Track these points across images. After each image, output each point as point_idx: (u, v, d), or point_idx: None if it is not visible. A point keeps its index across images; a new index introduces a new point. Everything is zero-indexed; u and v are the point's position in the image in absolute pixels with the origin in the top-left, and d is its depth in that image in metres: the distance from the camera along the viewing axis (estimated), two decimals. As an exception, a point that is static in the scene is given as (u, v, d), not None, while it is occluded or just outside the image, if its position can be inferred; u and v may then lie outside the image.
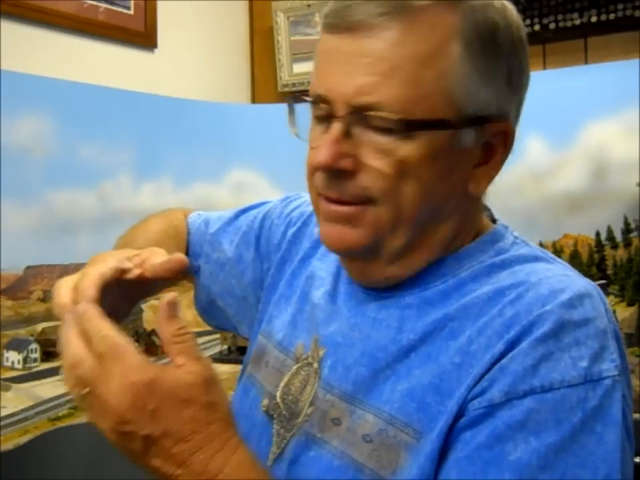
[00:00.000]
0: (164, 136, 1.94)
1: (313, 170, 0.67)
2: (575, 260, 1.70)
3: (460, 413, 0.60)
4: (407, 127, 0.61)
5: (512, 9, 0.67)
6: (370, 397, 0.65)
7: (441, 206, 0.66)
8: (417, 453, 0.60)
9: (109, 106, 1.79)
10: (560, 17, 1.76)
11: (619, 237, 1.66)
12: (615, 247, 1.67)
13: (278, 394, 0.73)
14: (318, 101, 0.65)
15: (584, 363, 0.58)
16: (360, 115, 0.62)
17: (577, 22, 1.74)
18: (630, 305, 1.65)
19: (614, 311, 1.63)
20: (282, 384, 0.73)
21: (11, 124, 1.58)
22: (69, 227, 1.73)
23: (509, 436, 0.57)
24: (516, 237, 0.72)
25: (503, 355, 0.60)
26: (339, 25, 0.63)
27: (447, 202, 0.66)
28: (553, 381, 0.58)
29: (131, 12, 1.92)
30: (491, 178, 0.68)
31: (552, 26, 1.77)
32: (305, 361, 0.73)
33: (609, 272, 1.69)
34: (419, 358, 0.65)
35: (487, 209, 0.75)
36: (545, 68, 1.82)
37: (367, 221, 0.65)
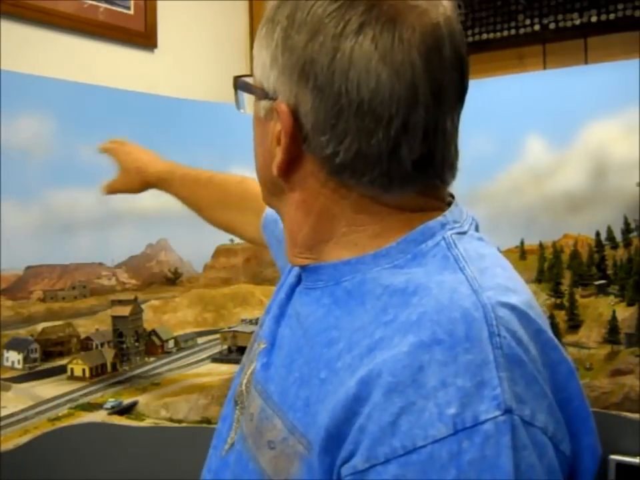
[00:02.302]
0: (164, 136, 1.94)
1: None
2: (575, 260, 1.70)
3: (327, 462, 0.55)
4: (234, 84, 0.74)
5: None
6: (281, 398, 0.64)
7: (270, 177, 0.68)
8: (306, 464, 0.58)
9: (109, 106, 1.79)
10: (560, 16, 1.76)
11: (619, 237, 1.66)
12: (615, 247, 1.67)
13: (244, 382, 0.74)
14: None
15: (452, 410, 0.50)
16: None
17: (577, 22, 1.74)
18: (630, 305, 1.65)
19: (613, 311, 1.64)
20: (248, 371, 0.74)
21: (10, 124, 1.58)
22: (69, 227, 1.72)
23: None
24: (444, 238, 0.63)
25: (356, 400, 0.53)
26: None
27: (271, 175, 0.67)
28: (416, 437, 0.50)
29: (131, 12, 1.92)
30: (281, 159, 0.65)
31: (552, 26, 1.76)
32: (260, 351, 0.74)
33: (609, 272, 1.69)
34: (304, 360, 0.63)
35: (451, 195, 0.70)
36: (544, 68, 1.82)
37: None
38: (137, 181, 1.42)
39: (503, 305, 0.56)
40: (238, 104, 0.76)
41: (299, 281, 0.74)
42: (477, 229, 0.69)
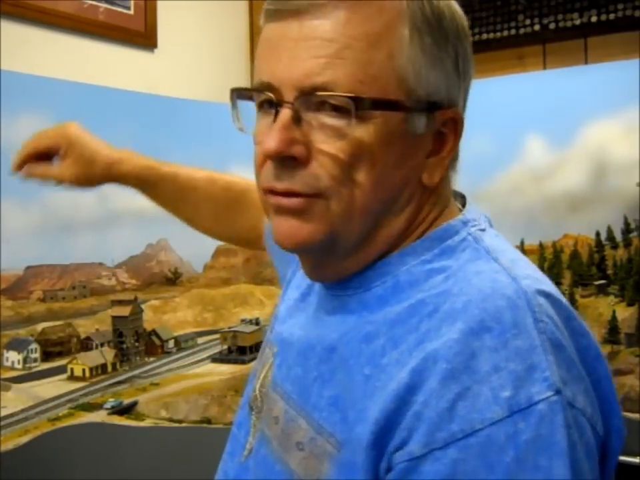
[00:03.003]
0: (164, 136, 1.94)
1: (261, 162, 0.64)
2: (574, 260, 1.70)
3: (376, 453, 0.55)
4: (360, 106, 0.58)
5: (455, 3, 0.66)
6: (302, 398, 0.64)
7: (394, 196, 0.63)
8: (337, 463, 0.58)
9: (109, 106, 1.79)
10: (560, 16, 1.76)
11: (619, 237, 1.66)
12: (615, 247, 1.67)
13: (257, 386, 0.74)
14: (263, 88, 0.62)
15: (506, 393, 0.52)
16: (310, 97, 0.59)
17: (577, 22, 1.74)
18: (630, 305, 1.65)
19: (613, 311, 1.64)
20: (261, 375, 0.74)
21: (10, 124, 1.58)
22: (69, 227, 1.73)
23: None
24: (469, 233, 0.66)
25: (410, 389, 0.55)
26: (283, 11, 0.61)
27: (400, 193, 0.64)
28: (474, 421, 0.51)
29: (131, 12, 1.92)
30: (443, 168, 0.66)
31: (552, 26, 1.77)
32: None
33: (609, 272, 1.69)
34: (339, 360, 0.62)
35: (461, 196, 0.72)
36: (545, 68, 1.82)
37: (318, 215, 0.62)
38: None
39: (539, 293, 0.58)
40: (239, 121, 0.69)
41: (310, 285, 0.75)
42: (490, 225, 0.71)
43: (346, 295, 0.67)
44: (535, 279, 0.61)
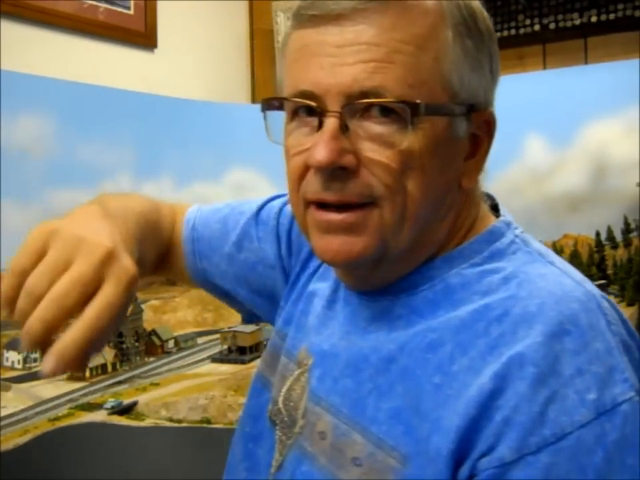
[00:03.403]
0: (164, 136, 1.94)
1: (300, 174, 0.62)
2: (575, 260, 1.70)
3: (457, 461, 0.54)
4: (412, 111, 0.57)
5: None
6: (354, 411, 0.62)
7: (440, 202, 0.63)
8: (402, 478, 0.57)
9: (108, 106, 1.79)
10: (560, 16, 1.76)
11: (619, 237, 1.66)
12: (615, 247, 1.67)
13: (280, 400, 0.71)
14: (304, 97, 0.60)
15: (592, 395, 0.52)
16: (357, 105, 0.58)
17: (577, 22, 1.74)
18: (630, 305, 1.65)
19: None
20: (284, 389, 0.71)
21: (10, 124, 1.58)
22: (69, 227, 1.72)
23: None
24: (516, 236, 0.66)
25: (493, 394, 0.54)
26: (322, 16, 0.59)
27: (445, 198, 0.63)
28: (564, 425, 0.52)
29: (131, 12, 1.92)
30: (479, 171, 0.66)
31: (552, 26, 1.77)
32: (306, 367, 0.70)
33: (609, 272, 1.69)
34: (399, 371, 0.61)
35: (490, 198, 0.72)
36: (545, 68, 1.82)
37: (371, 226, 0.60)
38: None
39: (602, 296, 0.60)
40: (270, 133, 0.65)
41: (334, 292, 0.73)
42: None
43: (386, 300, 0.66)
44: (591, 282, 0.62)
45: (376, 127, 0.58)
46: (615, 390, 0.53)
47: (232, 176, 2.08)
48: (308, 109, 0.61)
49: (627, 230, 1.65)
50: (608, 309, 0.58)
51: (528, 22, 1.78)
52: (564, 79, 1.71)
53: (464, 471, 0.54)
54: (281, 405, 0.71)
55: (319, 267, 0.79)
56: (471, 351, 0.57)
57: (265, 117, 0.65)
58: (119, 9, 1.88)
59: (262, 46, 2.28)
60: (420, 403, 0.58)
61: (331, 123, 0.58)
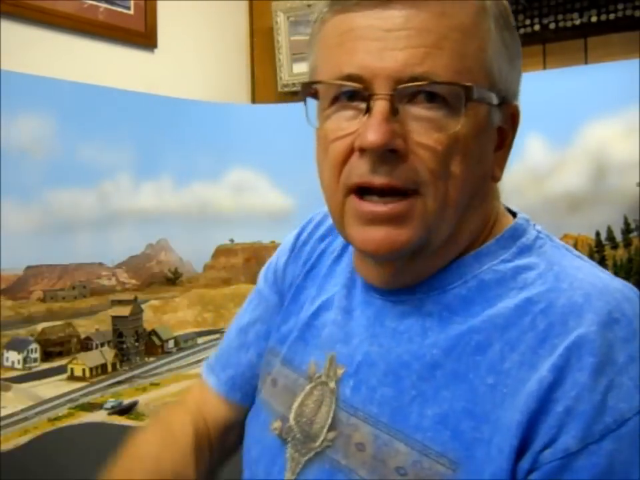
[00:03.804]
0: (164, 136, 1.94)
1: (343, 158, 0.61)
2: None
3: (516, 456, 0.54)
4: (465, 94, 0.57)
5: None
6: (396, 420, 0.61)
7: (475, 191, 0.63)
8: None
9: (108, 106, 1.79)
10: (560, 16, 1.76)
11: (619, 237, 1.66)
12: (615, 247, 1.67)
13: (291, 416, 0.69)
14: (349, 81, 0.59)
15: None
16: (407, 89, 0.57)
17: (577, 22, 1.74)
18: (630, 304, 1.65)
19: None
20: (295, 405, 0.69)
21: (10, 124, 1.58)
22: (69, 227, 1.72)
23: None
24: (539, 232, 0.67)
25: (553, 385, 0.55)
26: (370, 0, 0.58)
27: (480, 187, 0.63)
28: (623, 411, 0.53)
29: (131, 12, 1.92)
30: (505, 162, 0.66)
31: (552, 26, 1.76)
32: (319, 380, 0.69)
33: (609, 272, 1.68)
34: (446, 377, 0.60)
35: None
36: (544, 68, 1.82)
37: (416, 216, 0.60)
38: None
39: (631, 288, 0.61)
40: (308, 118, 0.64)
41: (346, 297, 0.72)
42: None
43: (415, 298, 0.65)
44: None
45: (424, 111, 0.58)
46: None
47: (232, 176, 2.08)
48: (351, 93, 0.60)
49: (627, 230, 1.65)
50: None
51: (528, 22, 1.78)
52: (564, 78, 1.71)
53: (523, 464, 0.55)
54: (292, 421, 0.69)
55: (302, 281, 0.78)
56: (520, 346, 0.58)
57: (305, 102, 0.64)
58: (119, 9, 1.88)
59: (262, 46, 2.27)
60: (475, 405, 0.57)
61: (382, 105, 0.58)
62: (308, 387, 0.69)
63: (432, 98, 0.58)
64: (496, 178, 0.65)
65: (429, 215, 0.60)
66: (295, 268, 0.81)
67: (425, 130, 0.58)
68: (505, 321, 0.60)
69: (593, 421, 0.53)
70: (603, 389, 0.53)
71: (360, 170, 0.60)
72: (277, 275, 0.83)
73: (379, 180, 0.59)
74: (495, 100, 0.61)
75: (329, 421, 0.65)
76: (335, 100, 0.62)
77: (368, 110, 0.58)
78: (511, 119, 0.66)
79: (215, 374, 0.84)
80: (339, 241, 0.78)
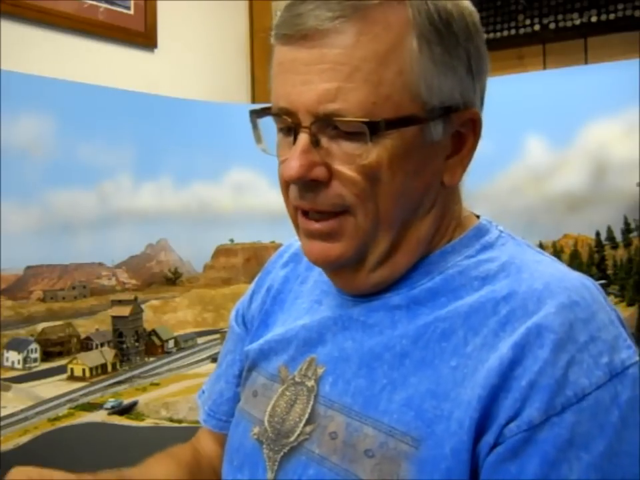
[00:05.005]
0: (164, 136, 1.94)
1: (285, 183, 0.66)
2: (575, 260, 1.70)
3: (481, 430, 0.57)
4: (374, 129, 0.60)
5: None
6: (367, 407, 0.64)
7: (418, 202, 0.66)
8: (417, 462, 0.59)
9: (108, 106, 1.79)
10: (560, 17, 1.76)
11: (619, 237, 1.66)
12: (615, 247, 1.67)
13: (265, 418, 0.72)
14: (281, 113, 0.64)
15: (605, 359, 0.57)
16: (324, 122, 0.61)
17: (577, 22, 1.74)
18: (630, 305, 1.65)
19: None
20: (268, 408, 0.72)
21: (10, 124, 1.58)
22: (69, 227, 1.73)
23: (561, 458, 0.55)
24: (501, 231, 0.71)
25: (514, 362, 0.57)
26: (292, 34, 0.62)
27: (424, 197, 0.66)
28: (584, 386, 0.56)
29: (131, 12, 1.92)
30: (464, 167, 0.68)
31: (552, 26, 1.77)
32: (292, 382, 0.72)
33: (609, 272, 1.69)
34: (414, 364, 0.63)
35: None
36: (544, 68, 1.82)
37: (348, 232, 0.64)
38: None
39: (588, 278, 0.64)
40: (261, 142, 0.70)
41: (317, 302, 0.76)
42: None
43: (384, 297, 0.69)
44: None
45: (344, 143, 0.62)
46: (622, 355, 0.58)
47: (231, 176, 2.08)
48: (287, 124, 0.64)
49: (627, 230, 1.65)
50: (600, 289, 0.63)
51: (528, 22, 1.78)
52: (564, 79, 1.71)
53: (488, 438, 0.57)
54: (266, 423, 0.72)
55: (289, 303, 0.82)
56: (482, 330, 0.61)
57: (253, 127, 0.70)
58: (119, 9, 1.88)
59: (262, 46, 2.27)
60: (437, 386, 0.61)
61: (302, 138, 0.62)
62: (280, 389, 0.73)
63: (346, 131, 0.61)
64: (447, 184, 0.67)
65: (360, 230, 0.64)
66: (258, 297, 0.86)
67: (344, 160, 0.62)
68: (468, 309, 0.63)
69: (555, 394, 0.56)
70: (565, 364, 0.56)
71: (293, 194, 0.66)
72: (244, 307, 0.88)
73: (305, 205, 0.65)
74: (429, 116, 0.62)
75: (306, 416, 0.68)
76: (281, 127, 0.67)
77: (294, 141, 0.63)
78: (471, 124, 0.67)
79: (202, 407, 0.92)
80: (302, 266, 0.83)
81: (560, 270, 0.64)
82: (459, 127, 0.66)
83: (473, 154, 0.68)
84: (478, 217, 0.74)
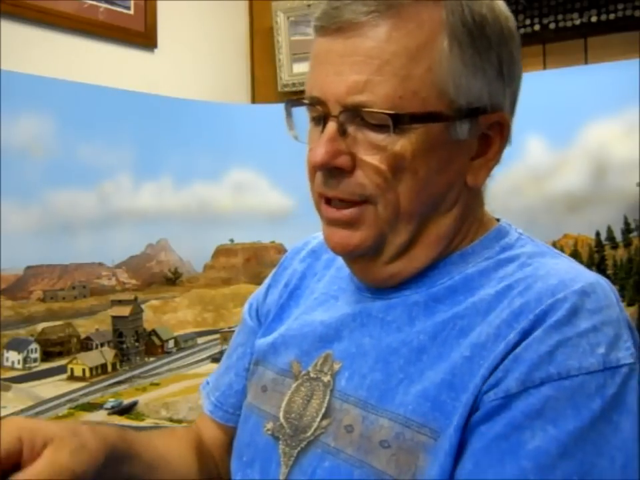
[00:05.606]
0: (164, 136, 1.94)
1: (312, 170, 0.68)
2: (574, 260, 1.70)
3: (475, 405, 0.59)
4: (398, 122, 0.62)
5: (501, 2, 0.69)
6: (383, 401, 0.65)
7: (439, 199, 0.67)
8: (435, 453, 0.60)
9: (108, 106, 1.79)
10: (560, 17, 1.76)
11: (619, 237, 1.66)
12: (615, 247, 1.67)
13: (281, 415, 0.73)
14: (313, 102, 0.66)
15: (602, 350, 0.58)
16: (352, 112, 0.63)
17: (577, 22, 1.74)
18: (630, 304, 1.65)
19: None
20: (283, 404, 0.73)
21: (10, 124, 1.58)
22: (69, 227, 1.73)
23: (527, 425, 0.56)
24: (520, 234, 0.73)
25: (517, 344, 0.59)
26: (329, 26, 0.64)
27: (445, 194, 0.68)
28: (570, 367, 0.57)
29: (131, 12, 1.92)
30: (489, 169, 0.69)
31: (552, 26, 1.77)
32: (306, 377, 0.73)
33: (609, 272, 1.69)
34: (431, 359, 0.64)
35: None
36: (545, 68, 1.82)
37: (368, 222, 0.66)
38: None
39: (604, 278, 0.66)
40: (293, 130, 0.72)
41: (334, 297, 0.77)
42: None
43: (402, 294, 0.70)
44: None
45: (369, 133, 0.64)
46: (619, 354, 0.59)
47: (232, 176, 2.08)
48: (318, 112, 0.67)
49: (627, 230, 1.65)
50: (615, 291, 0.65)
51: (528, 22, 1.78)
52: (564, 79, 1.71)
53: (468, 399, 0.59)
54: (282, 419, 0.72)
55: (305, 297, 0.83)
56: (496, 321, 0.62)
57: (287, 116, 0.72)
58: (119, 9, 1.88)
59: (262, 46, 2.28)
60: (454, 377, 0.62)
61: (330, 126, 0.64)
62: (294, 385, 0.73)
63: (372, 123, 0.64)
64: (470, 185, 0.68)
65: (380, 220, 0.66)
66: (275, 291, 0.87)
67: (369, 150, 0.64)
68: (486, 306, 0.64)
69: (535, 368, 0.57)
70: (554, 343, 0.58)
71: (318, 181, 0.68)
72: (258, 301, 0.89)
73: (329, 192, 0.67)
74: (455, 115, 0.64)
75: (323, 410, 0.69)
76: (313, 116, 0.69)
77: (323, 129, 0.65)
78: (498, 127, 0.68)
79: (207, 397, 0.91)
80: (321, 264, 0.84)
81: (576, 269, 0.66)
82: (485, 129, 0.67)
83: (499, 158, 0.69)
84: (498, 220, 0.75)
